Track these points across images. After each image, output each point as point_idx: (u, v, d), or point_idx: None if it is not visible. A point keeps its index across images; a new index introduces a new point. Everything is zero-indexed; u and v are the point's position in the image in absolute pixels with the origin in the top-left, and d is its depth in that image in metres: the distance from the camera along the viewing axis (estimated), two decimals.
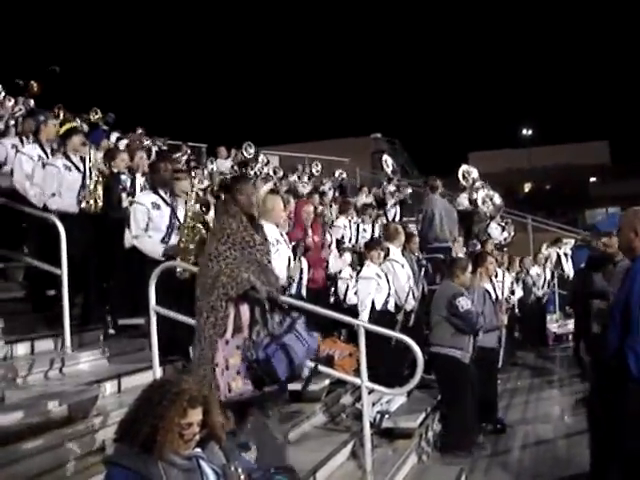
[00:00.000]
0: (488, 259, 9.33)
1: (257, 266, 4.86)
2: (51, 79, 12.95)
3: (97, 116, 13.04)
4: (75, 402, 5.24)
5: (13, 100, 12.26)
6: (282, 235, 7.43)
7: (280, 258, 7.16)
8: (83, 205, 7.38)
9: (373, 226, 12.34)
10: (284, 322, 4.76)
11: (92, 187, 7.44)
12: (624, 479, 4.81)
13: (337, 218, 12.14)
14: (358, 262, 9.82)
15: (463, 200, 15.15)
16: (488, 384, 8.65)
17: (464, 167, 15.74)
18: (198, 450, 3.17)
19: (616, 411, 4.95)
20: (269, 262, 5.07)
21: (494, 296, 9.12)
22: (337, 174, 17.26)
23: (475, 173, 15.56)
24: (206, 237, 5.91)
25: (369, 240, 10.33)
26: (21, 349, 6.24)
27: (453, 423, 7.96)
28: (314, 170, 17.77)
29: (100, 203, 7.47)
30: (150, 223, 7.10)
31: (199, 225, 6.94)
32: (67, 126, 8.68)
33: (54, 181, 7.38)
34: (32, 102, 12.48)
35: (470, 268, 8.32)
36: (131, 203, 7.54)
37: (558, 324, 16.20)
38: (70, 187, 7.42)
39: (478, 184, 15.08)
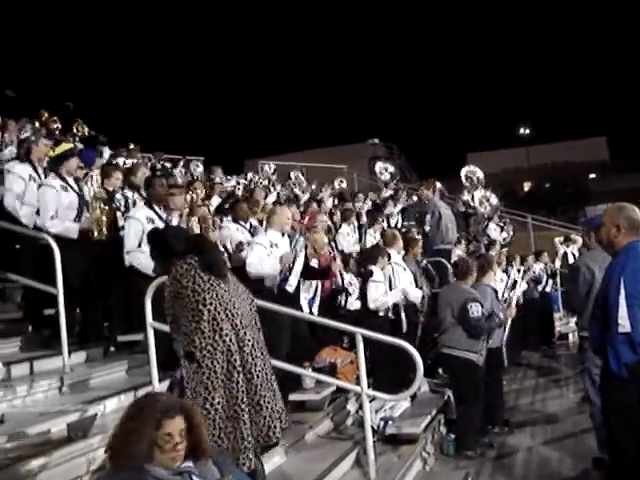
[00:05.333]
0: (494, 261, 9.38)
1: None
2: (64, 114, 12.98)
3: (84, 129, 13.02)
4: (75, 421, 5.24)
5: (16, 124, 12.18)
6: (284, 237, 7.94)
7: (271, 259, 7.63)
8: (86, 228, 7.29)
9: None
10: None
11: (96, 216, 7.36)
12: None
13: (340, 226, 12.19)
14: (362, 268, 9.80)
15: (460, 202, 15.17)
16: (493, 385, 8.63)
17: (468, 168, 15.76)
18: (189, 464, 3.15)
19: (603, 407, 4.98)
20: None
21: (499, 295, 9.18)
22: (336, 184, 17.25)
23: (479, 173, 15.58)
24: None
25: (373, 246, 10.36)
26: (20, 369, 6.21)
27: (462, 425, 7.94)
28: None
29: (105, 231, 7.39)
30: (144, 238, 6.96)
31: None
32: (63, 147, 8.53)
33: (53, 203, 7.24)
34: (37, 125, 12.44)
35: (475, 270, 8.37)
36: (126, 219, 7.50)
37: (562, 322, 16.17)
38: (68, 208, 7.30)
39: (477, 185, 15.10)
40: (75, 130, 12.98)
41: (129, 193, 8.27)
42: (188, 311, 4.42)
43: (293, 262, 7.81)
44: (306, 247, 8.32)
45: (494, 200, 15.09)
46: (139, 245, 7.11)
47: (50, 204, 7.21)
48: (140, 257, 7.04)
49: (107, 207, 7.51)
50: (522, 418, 9.35)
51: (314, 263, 8.32)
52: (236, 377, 4.43)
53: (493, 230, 16.02)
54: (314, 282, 8.18)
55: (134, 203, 8.14)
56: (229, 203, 9.97)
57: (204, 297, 4.42)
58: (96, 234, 7.32)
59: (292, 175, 17.89)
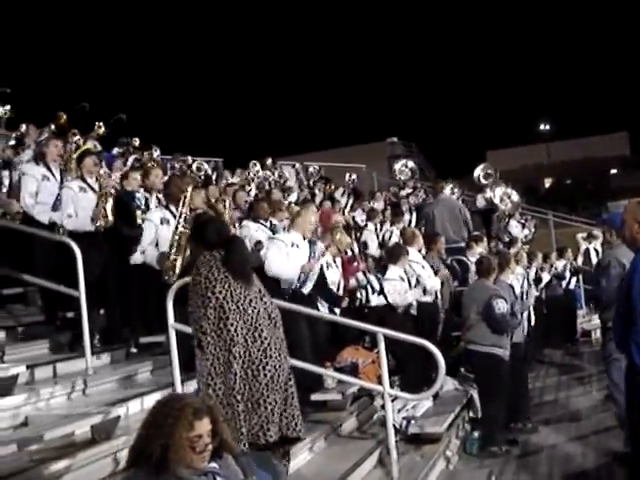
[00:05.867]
0: (512, 259, 9.36)
1: None
2: (80, 115, 13.10)
3: (102, 130, 13.11)
4: (98, 423, 5.26)
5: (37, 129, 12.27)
6: (310, 245, 7.79)
7: (291, 261, 7.57)
8: (99, 223, 7.46)
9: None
10: None
11: (102, 206, 7.51)
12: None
13: (366, 225, 12.22)
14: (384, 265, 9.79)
15: (481, 199, 15.08)
16: (517, 381, 8.59)
17: (482, 166, 15.70)
18: (214, 465, 3.17)
19: (627, 402, 4.93)
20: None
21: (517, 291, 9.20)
22: (347, 177, 17.10)
23: (491, 169, 15.51)
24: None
25: (394, 245, 10.31)
26: (44, 372, 6.27)
27: (491, 420, 7.91)
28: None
29: (110, 218, 7.54)
30: (158, 238, 7.43)
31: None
32: (81, 150, 8.85)
33: (70, 203, 7.55)
34: (53, 127, 12.51)
35: (496, 266, 8.37)
36: (143, 220, 7.69)
37: (585, 319, 16.05)
38: (85, 207, 7.55)
39: (495, 182, 15.03)
40: (97, 130, 13.06)
41: (148, 194, 8.33)
42: (199, 297, 4.58)
43: None
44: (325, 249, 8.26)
45: (515, 197, 14.99)
46: (156, 245, 7.44)
47: (68, 204, 7.54)
48: (152, 254, 7.45)
49: (109, 195, 7.66)
50: (546, 416, 9.28)
51: (338, 263, 8.31)
52: (235, 368, 4.52)
53: (515, 227, 15.91)
54: (335, 281, 8.16)
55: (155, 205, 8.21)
56: (249, 202, 9.98)
57: (214, 285, 4.57)
58: (101, 222, 7.47)
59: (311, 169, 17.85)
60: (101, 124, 13.08)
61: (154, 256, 7.42)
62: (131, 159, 12.17)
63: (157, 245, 7.47)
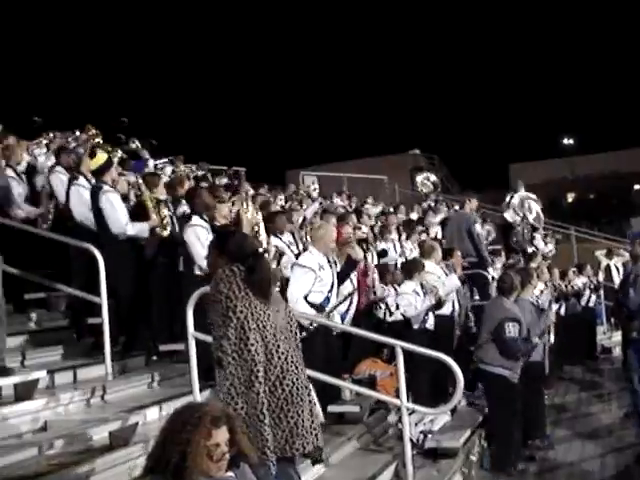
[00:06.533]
0: (534, 275, 9.32)
1: None
2: (118, 129, 13.26)
3: (135, 144, 13.25)
4: (116, 429, 5.31)
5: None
6: (328, 260, 7.44)
7: (323, 284, 7.25)
8: (165, 234, 7.64)
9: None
10: None
11: (156, 212, 7.63)
12: None
13: (379, 242, 12.14)
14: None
15: (507, 214, 15.10)
16: (535, 399, 8.54)
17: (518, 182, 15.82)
18: (231, 474, 3.19)
19: None
20: None
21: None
22: (370, 201, 17.20)
23: (522, 188, 15.59)
24: None
25: (410, 260, 10.27)
26: (64, 377, 6.31)
27: (500, 441, 7.86)
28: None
29: (169, 226, 7.70)
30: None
31: None
32: (99, 158, 8.84)
33: (122, 207, 7.59)
34: (85, 136, 12.64)
35: (518, 283, 8.32)
36: (184, 229, 7.62)
37: (606, 336, 15.93)
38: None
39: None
40: (126, 143, 13.20)
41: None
42: (219, 316, 4.46)
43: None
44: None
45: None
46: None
47: (121, 210, 7.54)
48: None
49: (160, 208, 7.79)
50: (564, 433, 9.23)
51: (353, 277, 8.20)
52: (257, 387, 4.44)
53: (540, 241, 15.89)
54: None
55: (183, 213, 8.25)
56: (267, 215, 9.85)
57: (235, 304, 4.44)
58: (166, 232, 7.64)
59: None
60: (135, 139, 13.21)
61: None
62: (169, 170, 12.23)
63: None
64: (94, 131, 12.43)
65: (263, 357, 4.48)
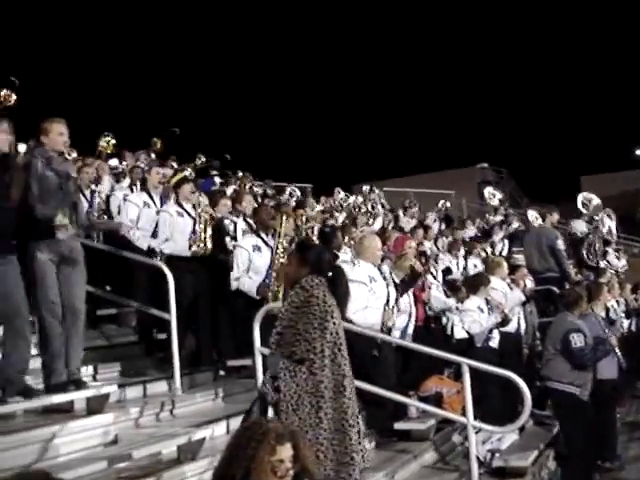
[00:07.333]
0: (604, 290, 9.11)
1: None
2: (170, 139, 13.55)
3: (201, 161, 13.46)
4: (184, 444, 5.39)
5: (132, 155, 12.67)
6: (380, 272, 7.44)
7: (376, 297, 7.21)
8: (194, 248, 7.67)
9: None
10: None
11: (201, 230, 7.72)
12: None
13: (444, 254, 12.02)
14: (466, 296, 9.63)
15: (578, 226, 14.79)
16: (606, 418, 8.32)
17: (584, 194, 15.44)
18: None
19: None
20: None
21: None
22: (440, 204, 17.03)
23: (596, 200, 15.23)
24: None
25: (475, 274, 10.15)
26: (134, 392, 6.45)
27: (571, 461, 7.69)
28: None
29: (209, 245, 7.75)
30: (251, 265, 7.47)
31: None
32: (178, 176, 9.21)
33: (167, 227, 7.78)
34: (153, 156, 12.95)
35: (585, 298, 8.15)
36: (234, 247, 7.82)
37: None
38: (182, 232, 7.76)
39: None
40: (196, 161, 13.43)
41: (236, 219, 8.51)
42: (315, 318, 4.57)
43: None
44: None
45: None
46: (247, 271, 7.46)
47: (165, 228, 7.77)
48: (246, 282, 7.43)
49: (209, 222, 7.88)
50: (636, 452, 8.96)
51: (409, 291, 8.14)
52: (347, 393, 4.61)
53: (612, 256, 15.51)
54: (406, 310, 7.90)
55: (242, 230, 8.36)
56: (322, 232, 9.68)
57: (332, 310, 4.64)
58: (198, 247, 7.66)
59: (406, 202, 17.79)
60: (201, 155, 13.44)
61: (249, 284, 7.44)
62: (230, 189, 12.41)
63: (248, 271, 7.51)
64: (161, 144, 12.74)
65: (348, 365, 4.69)
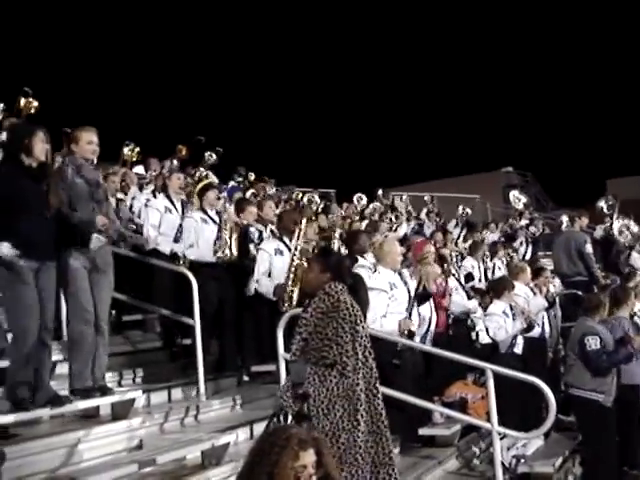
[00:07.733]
0: (631, 294, 8.99)
1: None
2: (196, 148, 13.66)
3: (213, 159, 13.48)
4: (208, 449, 5.42)
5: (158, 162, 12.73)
6: (401, 277, 7.38)
7: (397, 304, 7.14)
8: (219, 254, 7.73)
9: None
10: None
11: (226, 237, 7.79)
12: None
13: (465, 258, 11.94)
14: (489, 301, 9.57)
15: (599, 231, 14.64)
16: (631, 425, 8.21)
17: (605, 198, 15.29)
18: None
19: None
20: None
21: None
22: (460, 210, 16.88)
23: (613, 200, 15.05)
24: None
25: (499, 278, 10.08)
26: (159, 397, 6.51)
27: (595, 469, 7.60)
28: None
29: (235, 252, 7.81)
30: (272, 269, 7.57)
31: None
32: (203, 183, 9.32)
33: (191, 233, 7.86)
34: (176, 163, 13.03)
35: (607, 303, 8.06)
36: (257, 250, 7.90)
37: None
38: (206, 238, 7.85)
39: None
40: (207, 161, 13.50)
41: (261, 227, 8.55)
42: (346, 323, 4.63)
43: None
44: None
45: (635, 228, 14.44)
46: (269, 275, 7.57)
47: (190, 234, 7.85)
48: (267, 284, 7.56)
49: (234, 229, 8.00)
50: None
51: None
52: (376, 393, 4.66)
53: (637, 259, 15.33)
54: (427, 316, 7.72)
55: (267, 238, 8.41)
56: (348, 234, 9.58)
57: (360, 315, 4.72)
58: (223, 253, 7.74)
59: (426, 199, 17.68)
60: (212, 154, 13.51)
61: (268, 286, 7.56)
62: (248, 194, 12.48)
63: (270, 275, 7.61)
64: (186, 151, 12.84)
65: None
